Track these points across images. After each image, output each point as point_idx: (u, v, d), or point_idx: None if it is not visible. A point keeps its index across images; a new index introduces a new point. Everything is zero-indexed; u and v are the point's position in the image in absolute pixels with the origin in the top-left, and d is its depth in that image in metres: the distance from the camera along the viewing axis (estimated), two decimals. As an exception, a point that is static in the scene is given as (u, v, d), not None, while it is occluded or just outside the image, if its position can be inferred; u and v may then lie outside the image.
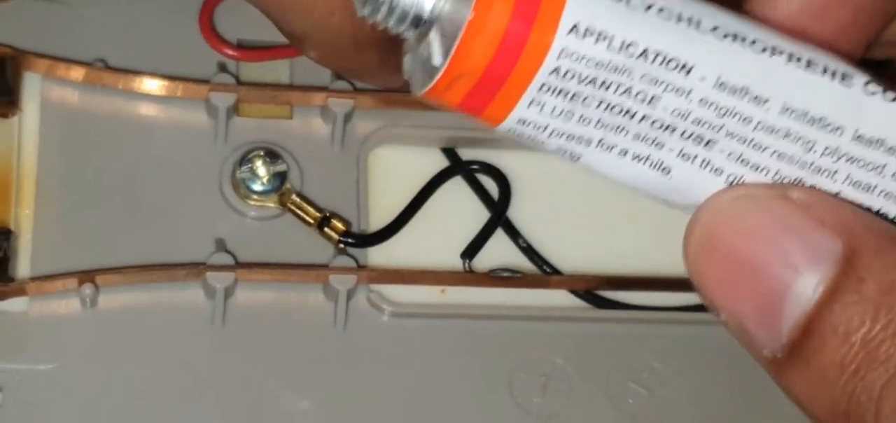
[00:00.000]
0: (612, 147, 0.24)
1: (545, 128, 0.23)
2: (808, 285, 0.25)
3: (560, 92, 0.23)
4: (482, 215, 0.43)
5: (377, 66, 0.40)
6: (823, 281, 0.25)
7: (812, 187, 0.25)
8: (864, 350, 0.25)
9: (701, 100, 0.23)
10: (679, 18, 0.23)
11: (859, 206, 0.25)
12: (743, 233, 0.26)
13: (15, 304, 0.40)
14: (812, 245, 0.25)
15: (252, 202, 0.42)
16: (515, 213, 0.44)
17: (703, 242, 0.26)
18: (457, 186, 0.44)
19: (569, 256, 0.44)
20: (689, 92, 0.23)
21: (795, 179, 0.25)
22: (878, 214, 0.26)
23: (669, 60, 0.23)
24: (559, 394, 0.42)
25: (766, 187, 0.26)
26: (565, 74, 0.22)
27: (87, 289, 0.39)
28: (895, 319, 0.25)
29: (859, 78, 0.24)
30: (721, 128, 0.24)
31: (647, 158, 0.24)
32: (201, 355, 0.40)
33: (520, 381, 0.42)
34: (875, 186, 0.25)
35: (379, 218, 0.43)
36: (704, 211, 0.26)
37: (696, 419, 0.42)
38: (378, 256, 0.42)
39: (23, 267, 0.40)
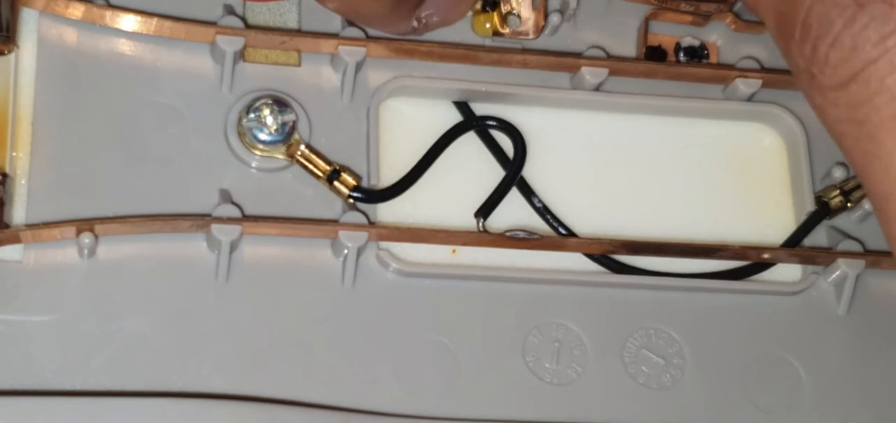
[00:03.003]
0: None
1: None
2: None
3: None
4: (495, 173, 0.42)
5: (390, 11, 0.38)
6: None
7: None
8: None
9: None
10: None
11: None
12: None
13: (10, 252, 0.38)
14: None
15: (258, 152, 0.40)
16: (530, 172, 0.42)
17: None
18: (470, 143, 0.42)
19: (585, 218, 0.42)
20: None
21: None
22: None
23: None
24: (573, 360, 0.40)
25: None
26: None
27: (86, 238, 0.38)
28: None
29: None
30: None
31: None
32: (204, 310, 0.39)
33: (533, 346, 0.40)
34: None
35: (389, 173, 0.41)
36: None
37: (712, 390, 0.41)
38: (387, 212, 0.41)
39: (18, 213, 0.38)
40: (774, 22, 0.29)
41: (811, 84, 0.28)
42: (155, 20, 0.40)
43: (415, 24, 0.40)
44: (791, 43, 0.28)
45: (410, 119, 0.42)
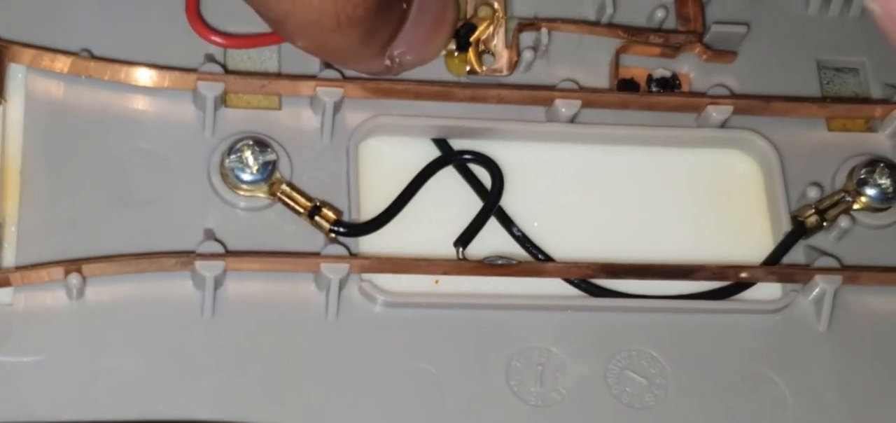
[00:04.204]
0: None
1: None
2: None
3: None
4: (475, 206, 0.43)
5: (360, 47, 0.39)
6: None
7: None
8: None
9: None
10: None
11: None
12: None
13: (0, 295, 0.39)
14: None
15: (241, 192, 0.41)
16: (509, 204, 0.43)
17: None
18: (449, 178, 0.43)
19: (563, 247, 0.43)
20: None
21: None
22: None
23: None
24: (557, 383, 0.41)
25: None
26: None
27: (74, 279, 0.39)
28: None
29: None
30: None
31: None
32: (191, 346, 0.39)
33: (516, 370, 0.41)
34: None
35: (370, 211, 0.42)
36: None
37: (695, 409, 0.42)
38: (369, 247, 0.42)
39: (8, 259, 0.39)
40: None
41: None
42: (138, 69, 0.41)
43: (388, 62, 0.41)
44: None
45: (390, 158, 0.43)
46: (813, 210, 0.44)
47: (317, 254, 0.40)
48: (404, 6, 0.40)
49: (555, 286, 0.42)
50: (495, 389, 0.41)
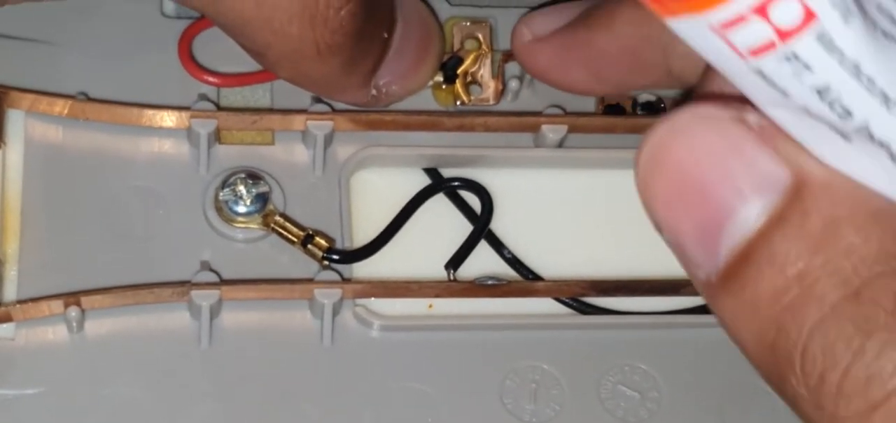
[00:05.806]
0: None
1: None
2: (751, 212, 0.25)
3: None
4: (467, 231, 0.44)
5: (343, 76, 0.40)
6: (767, 210, 0.25)
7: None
8: (799, 285, 0.25)
9: None
10: None
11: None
12: (692, 151, 0.26)
13: (2, 330, 0.40)
14: (760, 172, 0.25)
15: (236, 224, 0.42)
16: (499, 229, 0.44)
17: (654, 155, 0.26)
18: (440, 206, 0.44)
19: (554, 270, 0.44)
20: None
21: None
22: None
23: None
24: (551, 400, 0.42)
25: (723, 108, 0.26)
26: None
27: (73, 312, 0.40)
28: (833, 258, 0.24)
29: None
30: None
31: None
32: (189, 375, 0.40)
33: (510, 389, 0.42)
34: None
35: (363, 241, 0.43)
36: (660, 126, 0.26)
37: (689, 419, 0.42)
38: (363, 275, 0.42)
39: (9, 296, 0.40)
40: (760, 350, 0.27)
41: (821, 414, 0.26)
42: (133, 110, 0.42)
43: (374, 92, 0.42)
44: (789, 374, 0.26)
45: (382, 189, 0.44)
46: (800, 224, 0.44)
47: (310, 280, 0.41)
48: (386, 35, 0.41)
49: (546, 306, 0.43)
50: (491, 407, 0.41)
